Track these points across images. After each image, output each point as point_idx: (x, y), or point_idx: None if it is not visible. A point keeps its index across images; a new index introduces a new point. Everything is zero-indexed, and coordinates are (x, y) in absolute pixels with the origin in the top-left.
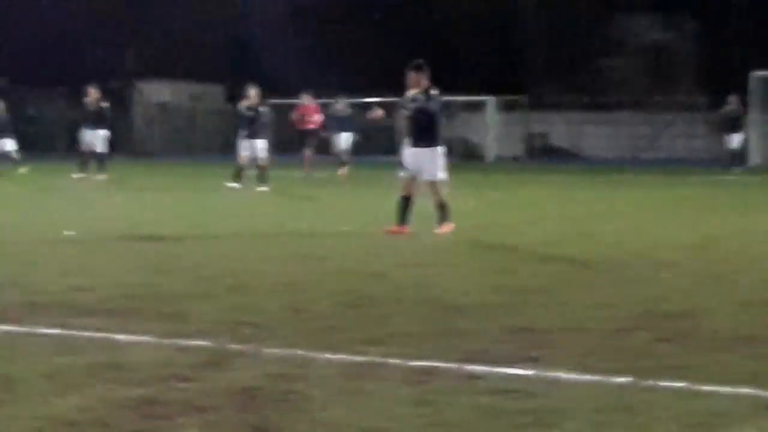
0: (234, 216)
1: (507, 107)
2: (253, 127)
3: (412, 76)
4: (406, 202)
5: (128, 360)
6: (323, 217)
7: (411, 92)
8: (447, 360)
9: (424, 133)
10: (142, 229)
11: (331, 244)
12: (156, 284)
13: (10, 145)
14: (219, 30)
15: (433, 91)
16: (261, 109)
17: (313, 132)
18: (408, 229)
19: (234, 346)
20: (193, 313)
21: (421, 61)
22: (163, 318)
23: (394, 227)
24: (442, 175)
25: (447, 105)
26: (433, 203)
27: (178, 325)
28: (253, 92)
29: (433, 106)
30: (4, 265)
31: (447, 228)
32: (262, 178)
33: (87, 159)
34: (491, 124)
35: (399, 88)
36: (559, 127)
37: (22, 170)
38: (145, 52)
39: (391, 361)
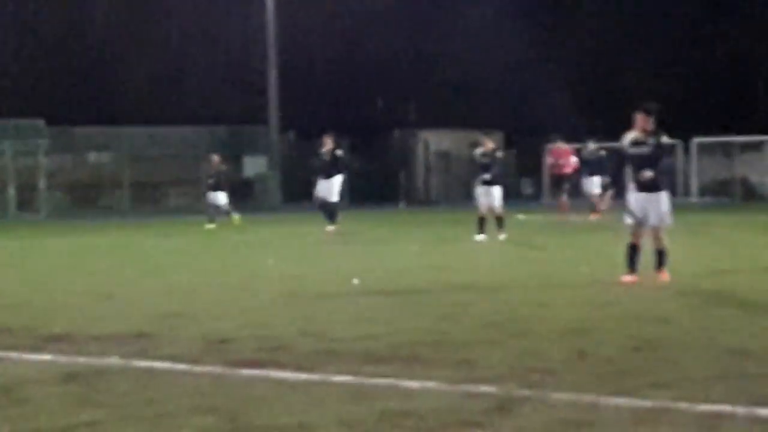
0: (504, 264)
1: None
2: (487, 173)
3: (640, 118)
4: (633, 250)
5: (418, 407)
6: (596, 263)
7: (633, 134)
8: (737, 404)
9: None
10: (424, 278)
11: (611, 290)
12: (443, 331)
13: (222, 198)
14: (495, 78)
15: (663, 136)
16: (497, 155)
17: (567, 176)
18: (638, 277)
19: (522, 392)
20: (480, 359)
21: (653, 104)
22: (451, 364)
23: (625, 277)
24: (669, 220)
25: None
26: (653, 248)
27: (465, 371)
28: (486, 139)
29: (662, 150)
30: (299, 315)
31: (666, 276)
32: (500, 225)
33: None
34: None
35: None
36: None
37: (236, 219)
38: (427, 102)
39: (680, 405)
